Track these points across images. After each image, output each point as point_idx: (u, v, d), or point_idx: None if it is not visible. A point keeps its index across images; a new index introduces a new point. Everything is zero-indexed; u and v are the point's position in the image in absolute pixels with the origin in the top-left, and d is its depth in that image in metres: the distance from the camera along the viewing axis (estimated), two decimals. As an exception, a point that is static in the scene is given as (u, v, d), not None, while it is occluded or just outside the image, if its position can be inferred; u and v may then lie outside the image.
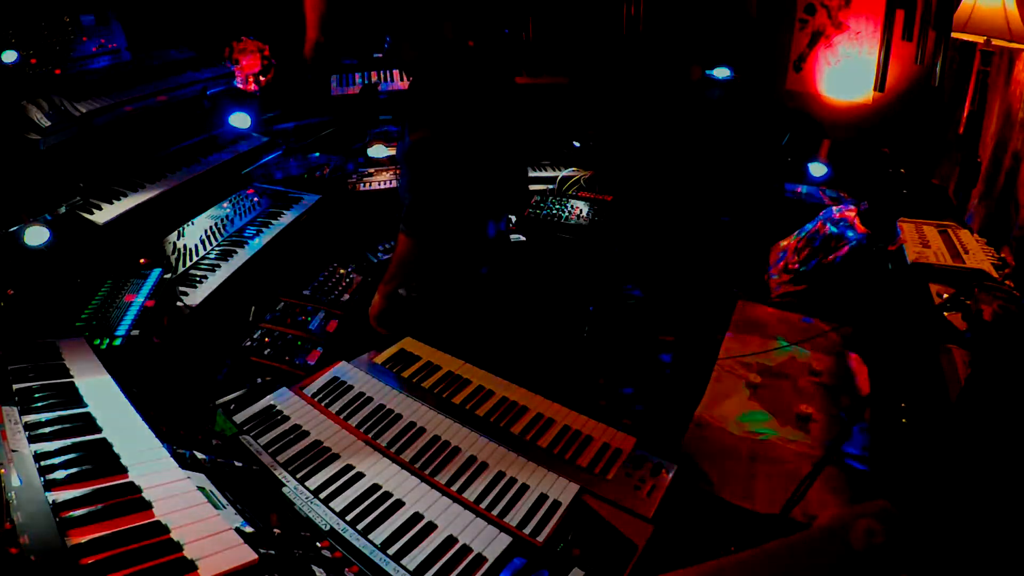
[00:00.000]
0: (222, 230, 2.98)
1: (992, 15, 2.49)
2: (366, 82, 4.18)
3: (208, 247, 2.85)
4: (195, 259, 2.75)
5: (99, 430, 1.47)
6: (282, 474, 1.68)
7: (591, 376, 2.95)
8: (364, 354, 2.28)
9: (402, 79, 4.16)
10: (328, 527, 1.52)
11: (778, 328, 2.71)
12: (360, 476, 1.68)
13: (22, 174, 2.46)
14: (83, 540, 1.14)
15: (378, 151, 3.90)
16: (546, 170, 4.01)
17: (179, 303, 2.42)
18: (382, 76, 4.23)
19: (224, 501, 1.37)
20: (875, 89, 3.81)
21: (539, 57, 4.30)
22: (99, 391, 1.65)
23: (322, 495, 1.61)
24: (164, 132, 3.14)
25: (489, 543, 1.49)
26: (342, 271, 3.02)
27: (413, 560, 1.44)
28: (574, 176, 3.92)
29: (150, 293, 2.32)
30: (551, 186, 3.88)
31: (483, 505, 1.61)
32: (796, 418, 2.18)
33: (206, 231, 2.93)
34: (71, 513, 1.19)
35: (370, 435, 1.85)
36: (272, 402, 1.97)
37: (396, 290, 2.42)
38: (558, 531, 1.55)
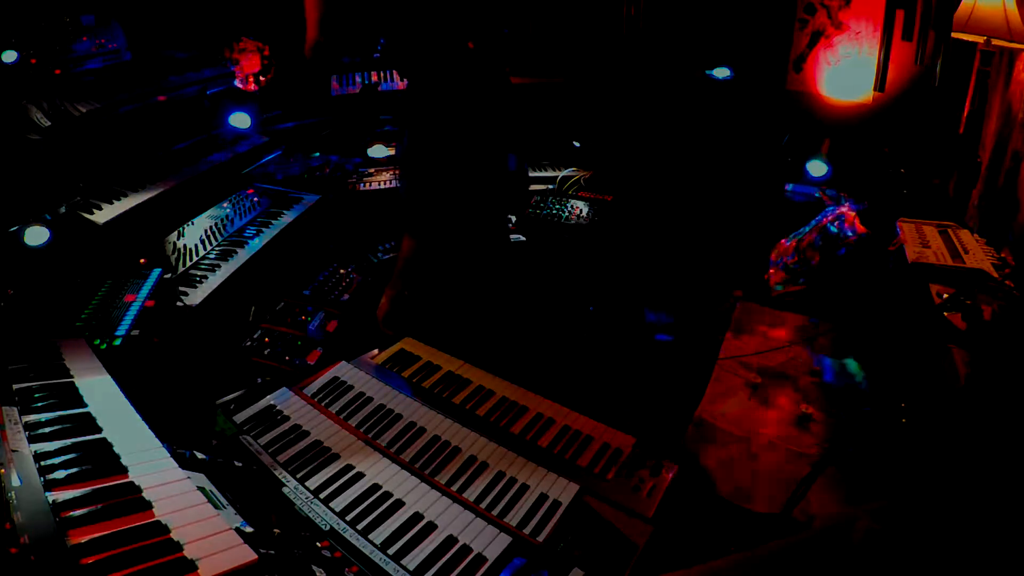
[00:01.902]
0: (222, 230, 2.98)
1: (992, 15, 2.49)
2: (366, 82, 4.18)
3: (208, 247, 2.85)
4: (195, 259, 2.75)
5: (99, 430, 1.47)
6: (282, 474, 1.68)
7: (591, 376, 2.94)
8: (364, 354, 2.28)
9: (402, 79, 4.16)
10: (328, 527, 1.52)
11: (778, 328, 2.71)
12: (360, 476, 1.68)
13: (22, 174, 2.46)
14: (83, 540, 1.14)
15: (378, 151, 3.89)
16: (546, 170, 4.01)
17: (179, 303, 2.42)
18: (382, 76, 4.23)
19: (224, 501, 1.37)
20: (875, 89, 3.80)
21: (539, 57, 4.30)
22: (99, 391, 1.65)
23: (322, 495, 1.61)
24: (164, 132, 3.14)
25: (489, 543, 1.49)
26: (342, 271, 3.02)
27: (413, 560, 1.44)
28: (574, 176, 3.92)
29: (150, 293, 2.32)
30: (551, 186, 3.88)
31: (483, 505, 1.62)
32: (796, 418, 2.17)
33: (206, 231, 2.93)
34: (71, 513, 1.19)
35: (370, 435, 1.85)
36: (272, 402, 1.97)
37: (402, 292, 2.42)
38: (558, 531, 1.55)
